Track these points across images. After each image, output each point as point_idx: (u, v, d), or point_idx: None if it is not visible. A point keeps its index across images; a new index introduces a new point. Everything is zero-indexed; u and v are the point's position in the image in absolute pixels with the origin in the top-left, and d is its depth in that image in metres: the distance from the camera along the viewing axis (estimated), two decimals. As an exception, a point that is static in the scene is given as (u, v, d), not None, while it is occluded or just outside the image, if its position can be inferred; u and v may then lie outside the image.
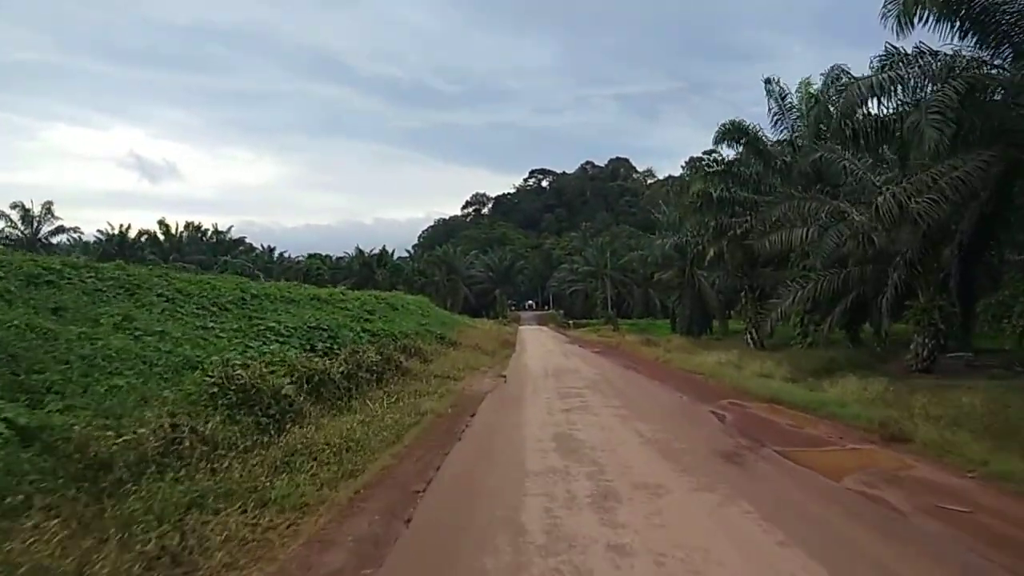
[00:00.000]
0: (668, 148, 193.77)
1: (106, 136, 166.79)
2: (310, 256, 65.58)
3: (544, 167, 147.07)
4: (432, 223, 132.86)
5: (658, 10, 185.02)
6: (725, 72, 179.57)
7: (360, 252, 66.60)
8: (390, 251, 68.90)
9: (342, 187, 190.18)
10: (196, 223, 62.38)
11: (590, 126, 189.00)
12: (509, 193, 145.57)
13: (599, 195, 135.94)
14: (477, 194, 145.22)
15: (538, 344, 33.18)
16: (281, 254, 72.99)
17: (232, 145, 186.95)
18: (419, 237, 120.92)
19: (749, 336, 25.83)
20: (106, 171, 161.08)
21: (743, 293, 26.60)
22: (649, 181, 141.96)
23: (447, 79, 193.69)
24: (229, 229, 66.42)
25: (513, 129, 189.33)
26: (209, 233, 62.97)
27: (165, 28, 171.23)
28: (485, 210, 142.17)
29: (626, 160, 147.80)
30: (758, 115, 49.73)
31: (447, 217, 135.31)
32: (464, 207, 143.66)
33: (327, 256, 71.70)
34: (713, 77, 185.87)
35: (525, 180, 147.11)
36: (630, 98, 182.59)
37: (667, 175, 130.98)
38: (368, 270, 61.90)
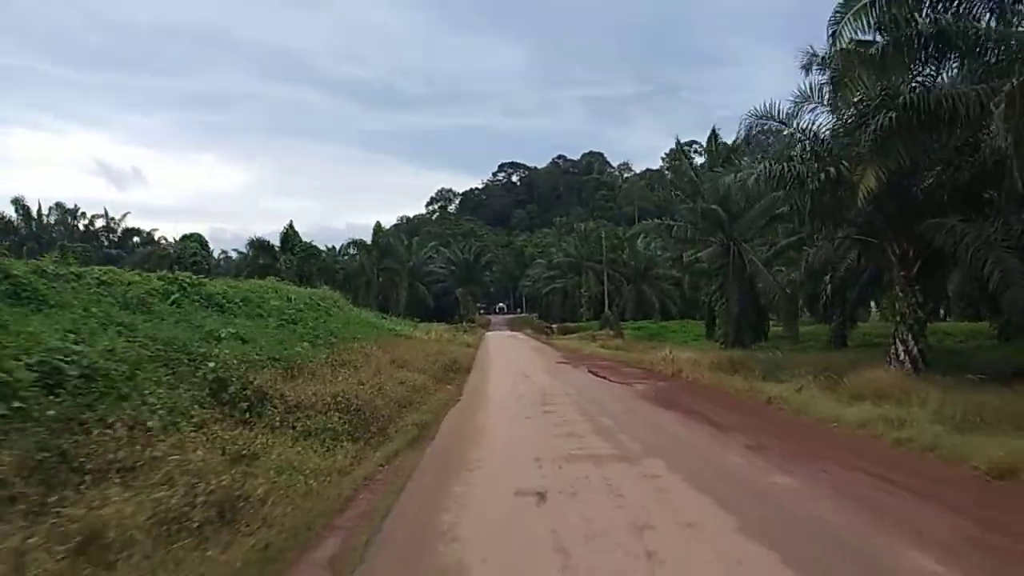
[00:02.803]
0: (637, 151, 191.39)
1: (68, 142, 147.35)
2: (183, 237, 45.84)
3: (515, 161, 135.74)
4: (395, 222, 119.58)
5: (625, 13, 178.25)
6: (693, 76, 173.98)
7: (289, 235, 47.98)
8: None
9: (313, 192, 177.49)
10: (71, 206, 48.43)
11: (559, 129, 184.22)
12: (477, 188, 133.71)
13: (573, 190, 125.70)
14: (442, 190, 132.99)
15: (514, 373, 18.41)
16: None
17: (199, 150, 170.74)
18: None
19: (901, 349, 14.18)
20: (72, 178, 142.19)
21: (881, 265, 15.25)
22: (626, 175, 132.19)
23: (414, 81, 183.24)
24: (124, 216, 52.74)
25: (483, 131, 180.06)
26: (88, 218, 49.11)
27: (123, 29, 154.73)
28: (451, 207, 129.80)
29: (600, 154, 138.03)
30: (729, 118, 39.97)
31: (411, 216, 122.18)
32: (428, 203, 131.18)
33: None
34: (680, 80, 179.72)
35: (494, 175, 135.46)
36: (598, 100, 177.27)
37: (644, 168, 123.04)
38: (268, 256, 44.80)
